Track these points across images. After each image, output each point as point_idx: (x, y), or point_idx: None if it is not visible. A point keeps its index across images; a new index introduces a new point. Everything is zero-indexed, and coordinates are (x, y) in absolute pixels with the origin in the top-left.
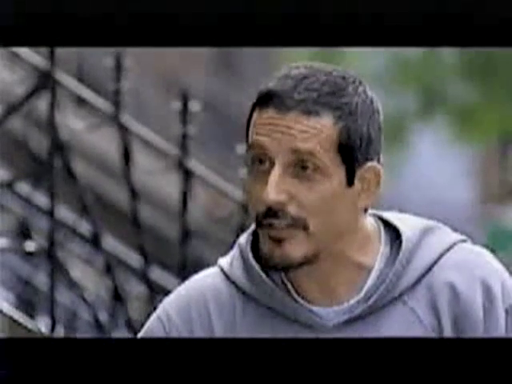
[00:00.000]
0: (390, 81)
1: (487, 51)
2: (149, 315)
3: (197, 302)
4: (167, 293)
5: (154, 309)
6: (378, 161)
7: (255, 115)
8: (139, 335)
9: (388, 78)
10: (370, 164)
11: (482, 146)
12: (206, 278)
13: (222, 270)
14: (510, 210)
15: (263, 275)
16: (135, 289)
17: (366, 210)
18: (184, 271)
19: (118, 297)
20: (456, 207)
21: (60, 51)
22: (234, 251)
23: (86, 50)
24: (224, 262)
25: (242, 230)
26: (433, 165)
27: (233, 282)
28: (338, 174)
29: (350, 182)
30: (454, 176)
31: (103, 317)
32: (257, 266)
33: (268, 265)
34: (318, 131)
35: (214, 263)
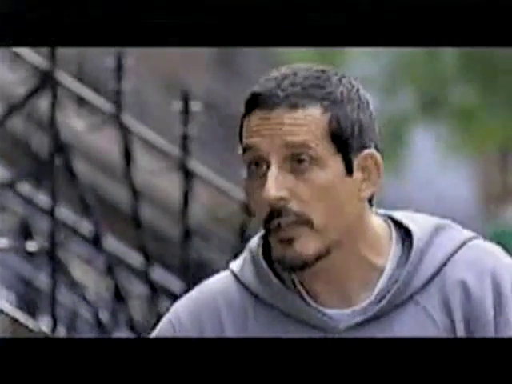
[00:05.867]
0: (391, 81)
1: (487, 53)
2: (149, 315)
3: (208, 305)
4: (168, 292)
5: (155, 309)
6: (377, 149)
7: (245, 122)
8: (150, 336)
9: (388, 79)
10: (367, 151)
11: (483, 146)
12: (217, 282)
13: (233, 273)
14: (511, 210)
15: (274, 279)
16: (136, 288)
17: (371, 203)
18: (185, 271)
19: (119, 296)
20: (457, 207)
21: (61, 51)
22: (245, 254)
23: (86, 50)
24: (235, 265)
25: (243, 229)
26: (433, 165)
27: (244, 286)
28: (335, 163)
29: (348, 170)
30: (455, 176)
31: (104, 316)
32: (268, 270)
33: (284, 267)
34: (307, 122)
35: (214, 263)
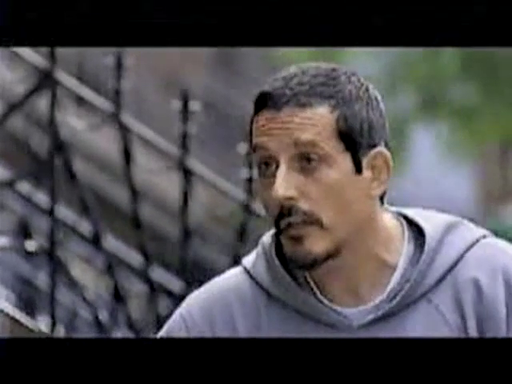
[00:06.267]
0: (391, 80)
1: (487, 52)
2: (149, 314)
3: (220, 301)
4: (168, 292)
5: (155, 308)
6: (387, 147)
7: (254, 122)
8: (161, 331)
9: (388, 78)
10: (376, 150)
11: (483, 145)
12: (229, 278)
13: (245, 269)
14: (511, 209)
15: (286, 276)
16: (135, 288)
17: (382, 201)
18: (184, 270)
19: (118, 296)
20: (456, 206)
21: (60, 51)
22: (258, 250)
23: (86, 49)
24: (247, 261)
25: (243, 229)
26: (434, 164)
27: (257, 282)
28: (344, 161)
29: (357, 169)
30: (455, 175)
31: (103, 316)
32: (280, 267)
33: (295, 265)
34: (315, 121)
35: (214, 262)
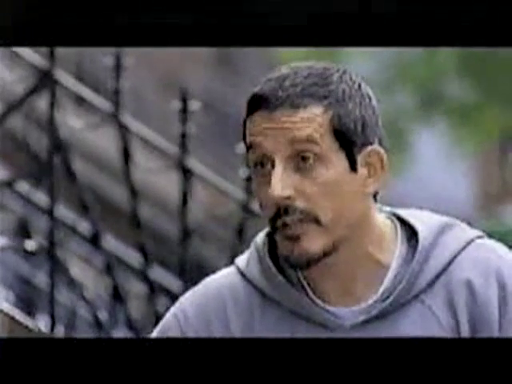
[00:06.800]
0: (389, 80)
1: (485, 51)
2: (148, 314)
3: (214, 301)
4: (167, 292)
5: (154, 308)
6: (381, 145)
7: (247, 123)
8: (155, 331)
9: (387, 77)
10: (370, 148)
11: (482, 145)
12: (223, 278)
13: (239, 269)
14: (510, 209)
15: (279, 276)
16: (135, 288)
17: (375, 199)
18: (184, 270)
19: (117, 296)
20: (455, 206)
21: (60, 50)
22: (251, 250)
23: (85, 49)
24: (241, 261)
25: (242, 228)
26: (432, 164)
27: (250, 282)
28: (339, 160)
29: (352, 167)
30: (454, 175)
31: (103, 316)
32: (273, 267)
33: (290, 264)
34: (309, 121)
35: (213, 262)
